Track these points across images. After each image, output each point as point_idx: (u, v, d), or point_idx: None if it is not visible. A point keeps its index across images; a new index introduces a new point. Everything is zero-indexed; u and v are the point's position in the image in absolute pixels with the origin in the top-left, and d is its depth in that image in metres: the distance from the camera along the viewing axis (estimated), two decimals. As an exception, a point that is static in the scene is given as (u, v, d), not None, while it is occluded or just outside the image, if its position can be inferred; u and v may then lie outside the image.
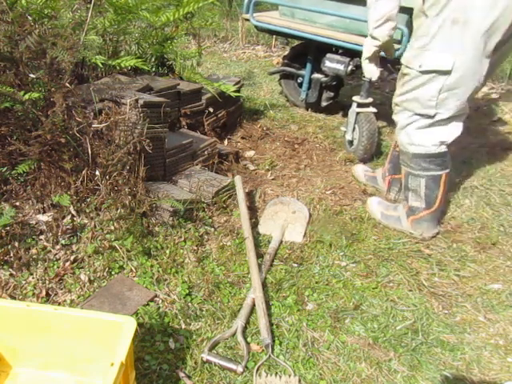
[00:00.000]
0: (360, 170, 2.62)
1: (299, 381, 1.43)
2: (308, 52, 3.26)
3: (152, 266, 1.80)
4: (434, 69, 1.85)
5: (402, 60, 1.98)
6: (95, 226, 1.87)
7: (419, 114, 1.98)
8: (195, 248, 1.93)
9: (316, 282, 1.83)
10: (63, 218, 1.88)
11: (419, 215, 2.11)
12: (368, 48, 2.05)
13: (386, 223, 2.20)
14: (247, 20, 3.33)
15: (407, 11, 2.34)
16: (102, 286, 1.69)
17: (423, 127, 2.00)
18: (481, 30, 1.75)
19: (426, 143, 2.01)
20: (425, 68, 1.87)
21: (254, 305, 1.65)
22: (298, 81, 3.51)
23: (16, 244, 1.73)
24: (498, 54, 1.88)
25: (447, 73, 1.84)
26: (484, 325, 1.70)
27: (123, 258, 1.80)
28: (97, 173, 1.90)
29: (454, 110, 1.93)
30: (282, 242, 2.05)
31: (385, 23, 1.92)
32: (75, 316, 1.21)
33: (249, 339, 1.55)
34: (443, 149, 2.02)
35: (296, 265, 1.92)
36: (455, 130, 2.01)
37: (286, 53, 3.67)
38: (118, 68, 2.46)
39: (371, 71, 2.23)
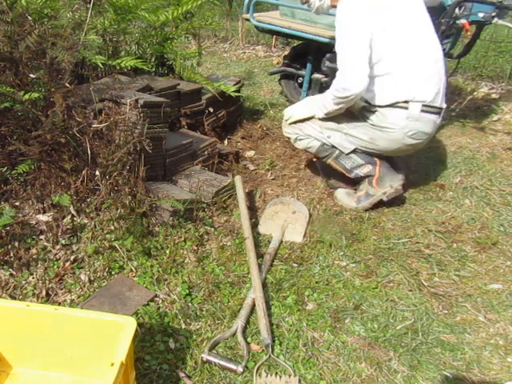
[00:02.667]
0: None
1: (299, 381, 1.43)
2: (308, 52, 3.26)
3: (152, 265, 1.80)
4: None
5: None
6: (95, 226, 1.87)
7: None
8: (195, 248, 1.93)
9: (316, 282, 1.83)
10: (63, 218, 1.88)
11: (377, 175, 2.30)
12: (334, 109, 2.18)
13: (364, 204, 2.32)
14: (247, 20, 3.33)
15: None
16: (102, 285, 1.69)
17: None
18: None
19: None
20: None
21: (254, 305, 1.65)
22: (299, 81, 3.51)
23: (16, 244, 1.73)
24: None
25: None
26: (484, 325, 1.70)
27: (123, 258, 1.80)
28: (97, 173, 1.90)
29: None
30: (282, 241, 2.05)
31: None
32: (75, 316, 1.21)
33: (249, 339, 1.55)
34: None
35: (296, 265, 1.92)
36: None
37: (287, 53, 3.67)
38: (117, 68, 2.46)
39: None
